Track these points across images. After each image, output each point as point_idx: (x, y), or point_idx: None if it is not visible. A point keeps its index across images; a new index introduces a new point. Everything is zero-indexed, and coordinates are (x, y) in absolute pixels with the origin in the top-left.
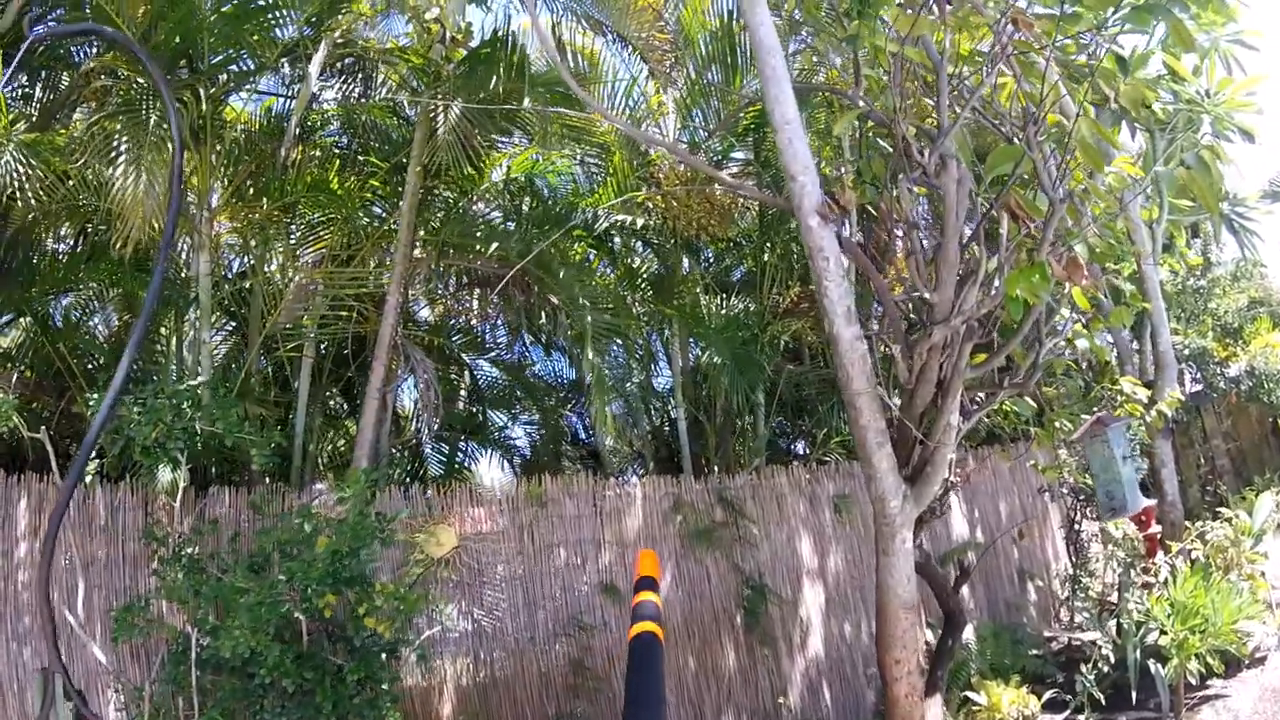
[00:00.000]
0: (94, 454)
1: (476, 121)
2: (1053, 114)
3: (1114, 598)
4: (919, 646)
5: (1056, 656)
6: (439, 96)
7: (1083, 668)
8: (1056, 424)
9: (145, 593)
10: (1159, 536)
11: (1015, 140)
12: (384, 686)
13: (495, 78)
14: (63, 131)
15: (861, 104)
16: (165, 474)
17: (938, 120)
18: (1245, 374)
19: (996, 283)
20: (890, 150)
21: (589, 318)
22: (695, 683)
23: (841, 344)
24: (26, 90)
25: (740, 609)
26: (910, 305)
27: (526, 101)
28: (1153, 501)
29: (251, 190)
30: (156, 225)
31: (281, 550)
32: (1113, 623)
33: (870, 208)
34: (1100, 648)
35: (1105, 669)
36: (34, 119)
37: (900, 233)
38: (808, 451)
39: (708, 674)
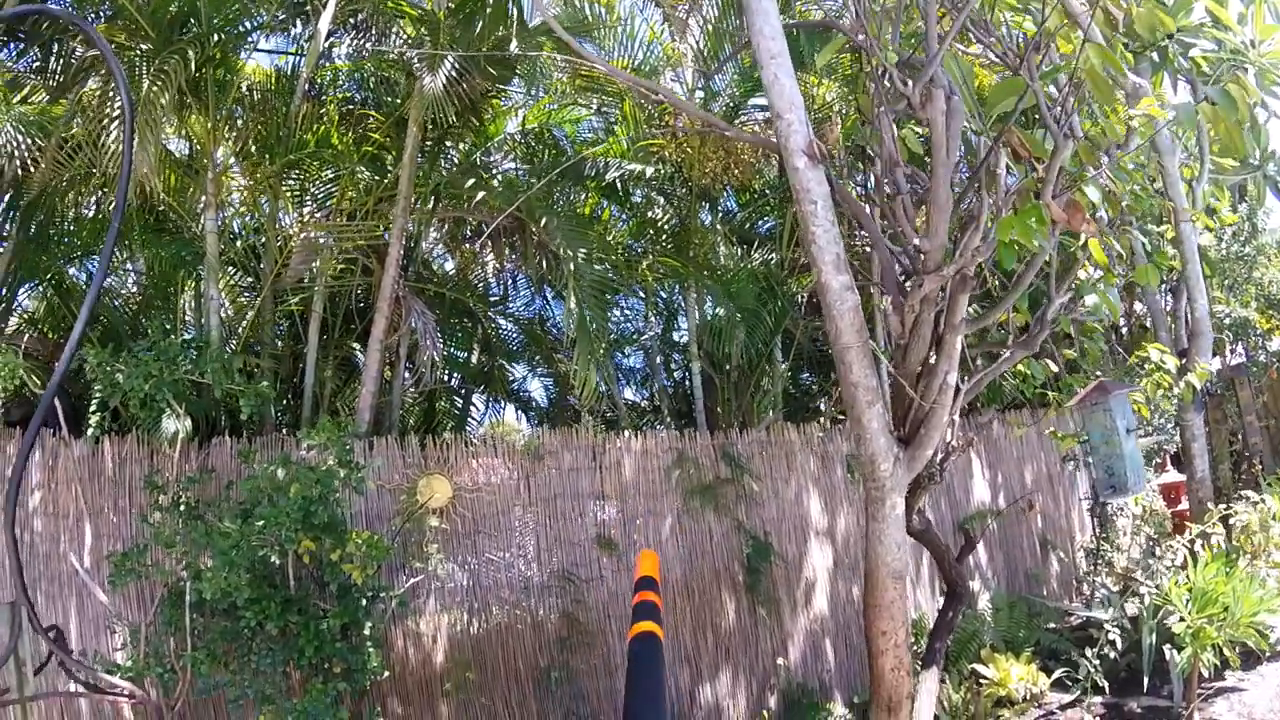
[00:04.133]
0: (100, 408)
1: (472, 71)
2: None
3: (1137, 574)
4: (908, 618)
5: (1074, 633)
6: (437, 46)
7: (1088, 650)
8: (1075, 389)
9: (146, 540)
10: (1187, 514)
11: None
12: (365, 631)
13: (481, 23)
14: (63, 102)
15: (860, 36)
16: (170, 426)
17: (925, 47)
18: None
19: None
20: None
21: (573, 266)
22: (693, 639)
23: (830, 293)
24: (40, 64)
25: (743, 568)
26: (907, 254)
27: (515, 46)
28: (1183, 477)
29: (256, 148)
30: (148, 187)
31: (269, 498)
32: (1130, 603)
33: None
34: (1108, 631)
35: (1113, 653)
36: (54, 89)
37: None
38: (831, 408)
39: (705, 631)
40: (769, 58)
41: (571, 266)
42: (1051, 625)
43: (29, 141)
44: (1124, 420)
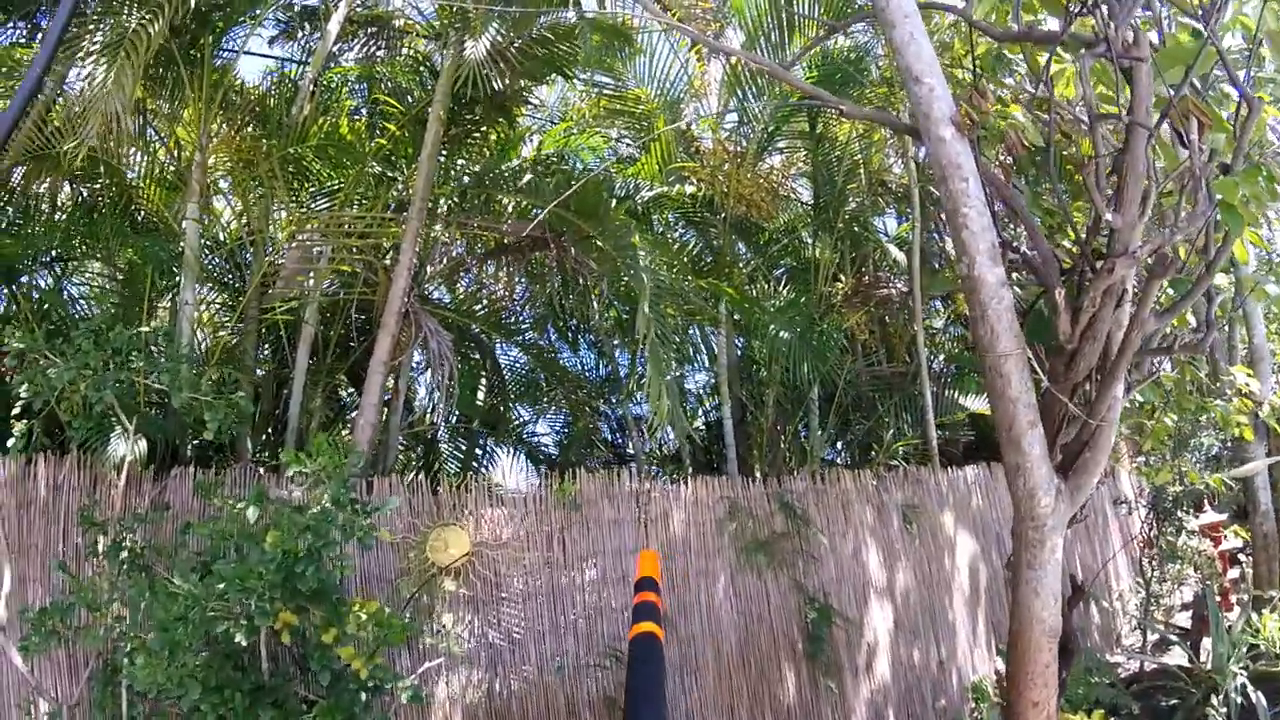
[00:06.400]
0: (25, 413)
1: (517, 39)
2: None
3: (1178, 619)
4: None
5: (1128, 686)
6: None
7: (1213, 698)
8: (1183, 411)
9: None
10: (1236, 552)
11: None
12: None
13: None
14: (27, 45)
15: None
16: (119, 447)
17: None
18: None
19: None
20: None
21: (643, 273)
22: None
23: (985, 289)
24: (23, 44)
25: (803, 634)
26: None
27: (571, 14)
28: (1222, 516)
29: (251, 136)
30: (115, 130)
31: (236, 549)
32: (1205, 644)
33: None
34: (1235, 675)
35: (1240, 699)
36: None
37: (1084, 127)
38: (848, 461)
39: (764, 710)
40: (902, 16)
41: (644, 261)
42: (1106, 680)
43: None
44: None
